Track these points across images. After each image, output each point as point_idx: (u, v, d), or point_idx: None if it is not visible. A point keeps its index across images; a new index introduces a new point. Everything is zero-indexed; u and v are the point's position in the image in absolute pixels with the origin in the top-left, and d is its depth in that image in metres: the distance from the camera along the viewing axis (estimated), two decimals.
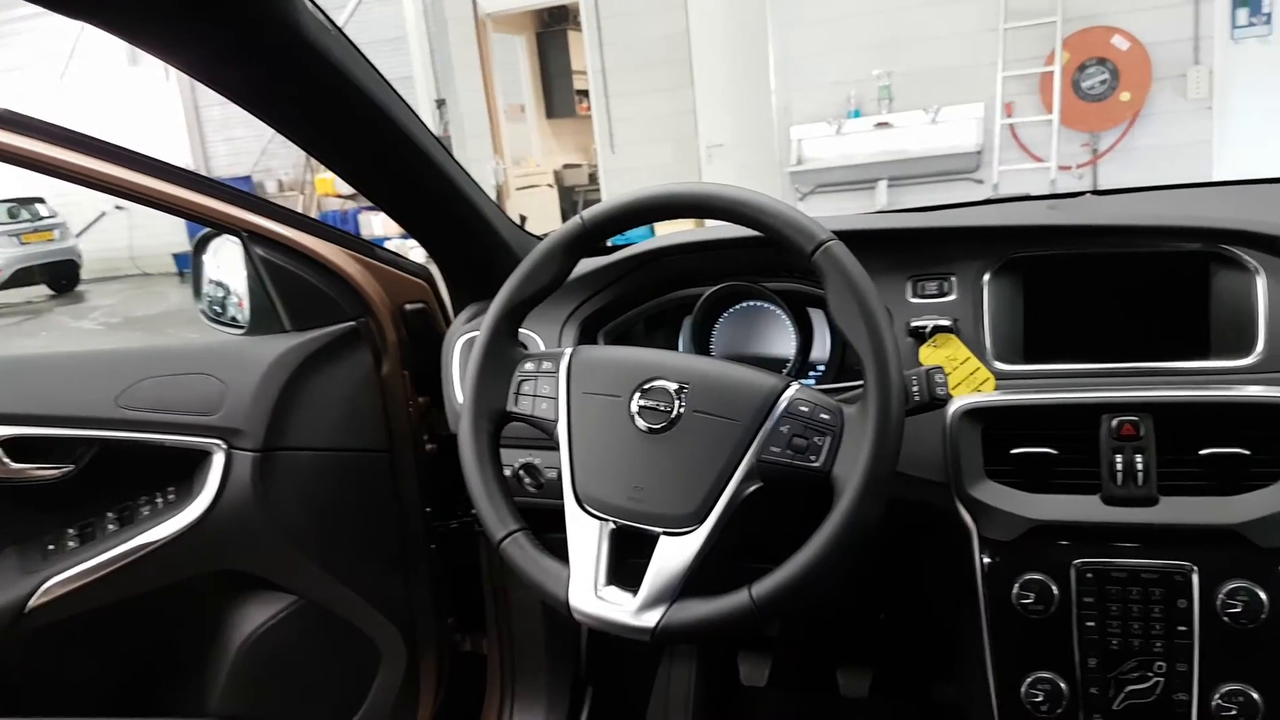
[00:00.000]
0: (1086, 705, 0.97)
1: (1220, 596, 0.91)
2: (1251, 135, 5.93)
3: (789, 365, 1.20)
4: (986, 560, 0.99)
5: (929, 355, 1.07)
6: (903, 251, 1.12)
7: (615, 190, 7.37)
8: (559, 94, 9.90)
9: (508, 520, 0.96)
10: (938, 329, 1.07)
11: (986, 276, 1.08)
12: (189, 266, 2.01)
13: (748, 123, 6.99)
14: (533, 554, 0.94)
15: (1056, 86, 6.14)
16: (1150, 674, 0.94)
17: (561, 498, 0.95)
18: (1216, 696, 0.92)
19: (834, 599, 1.41)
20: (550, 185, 9.45)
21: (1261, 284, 0.98)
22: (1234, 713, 0.91)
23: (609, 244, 1.26)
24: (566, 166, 9.88)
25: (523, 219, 1.31)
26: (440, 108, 8.58)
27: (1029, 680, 0.98)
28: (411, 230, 1.26)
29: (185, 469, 1.26)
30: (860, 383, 0.98)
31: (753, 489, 0.88)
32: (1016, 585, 0.97)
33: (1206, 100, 5.98)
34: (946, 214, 1.16)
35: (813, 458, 0.87)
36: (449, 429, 1.30)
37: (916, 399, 0.88)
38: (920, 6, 6.45)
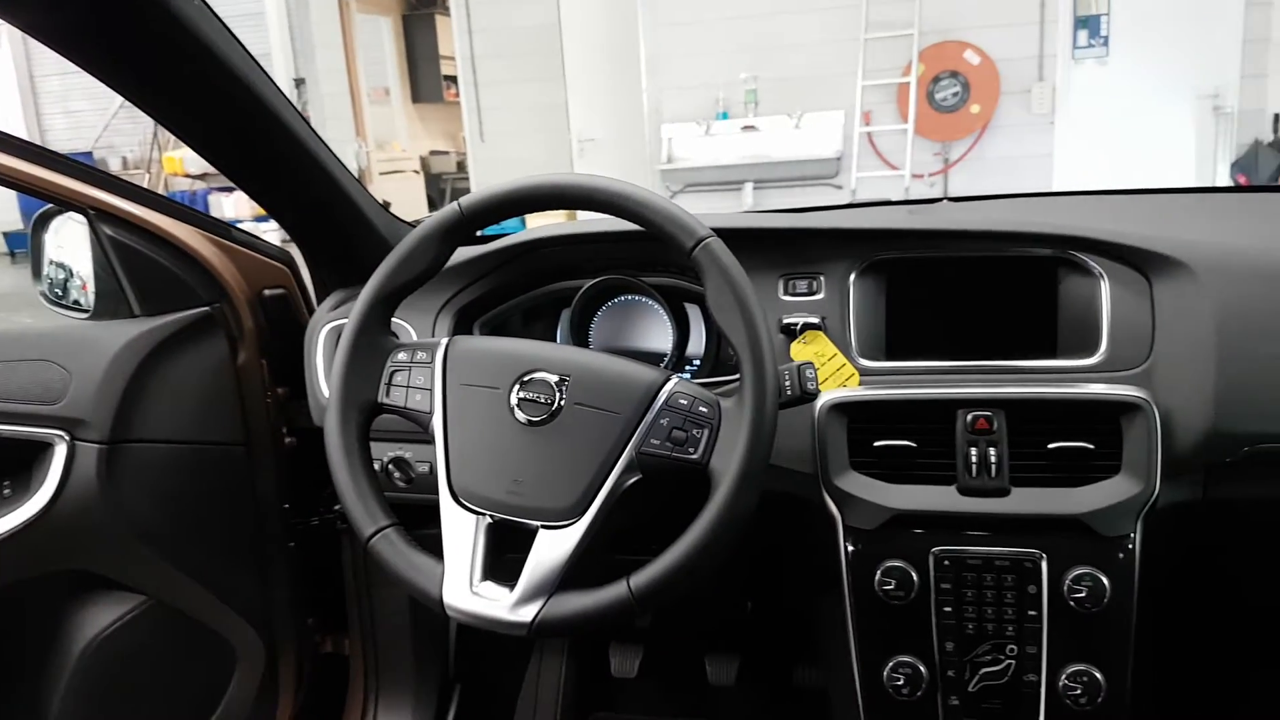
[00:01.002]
0: (944, 687, 1.01)
1: (1067, 582, 0.97)
2: (1087, 149, 6.37)
3: (666, 359, 1.21)
4: (850, 548, 1.03)
5: (799, 351, 1.10)
6: (775, 251, 1.14)
7: (484, 179, 7.26)
8: (426, 79, 9.68)
9: (378, 516, 0.93)
10: (807, 326, 1.10)
11: (852, 277, 1.12)
12: (23, 246, 1.84)
13: (619, 119, 7.02)
14: (404, 550, 0.91)
15: (912, 97, 6.41)
16: (1003, 656, 1.00)
17: (434, 493, 0.92)
18: (1063, 677, 0.98)
19: (706, 589, 1.43)
20: (416, 171, 9.22)
21: (1105, 288, 1.05)
22: (1079, 692, 0.97)
23: (480, 234, 1.24)
24: (433, 153, 9.66)
25: (386, 205, 1.27)
26: (299, 87, 8.23)
27: (891, 664, 1.02)
28: (272, 211, 1.21)
29: (22, 462, 1.16)
30: (734, 377, 1.00)
31: (632, 481, 0.88)
32: (879, 572, 1.01)
33: (1049, 115, 6.38)
34: (816, 215, 1.19)
35: (691, 450, 0.87)
36: (310, 422, 1.25)
37: (789, 393, 0.90)
38: (785, 14, 6.61)
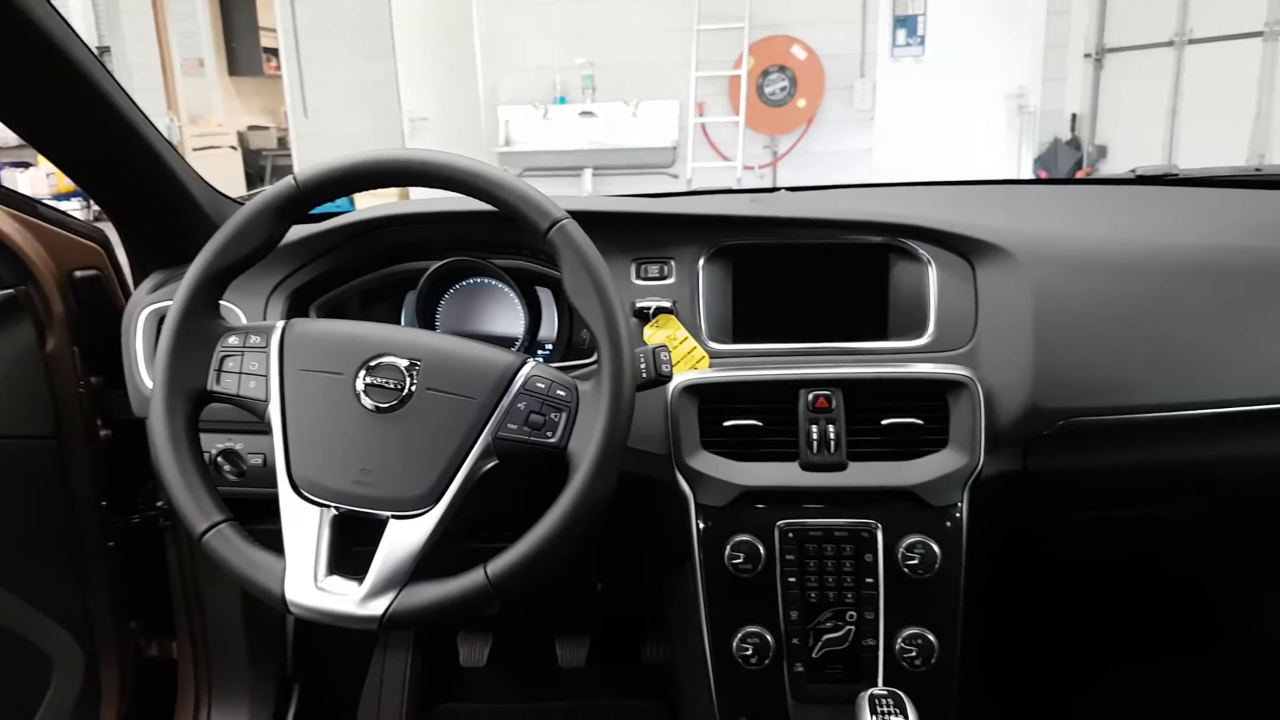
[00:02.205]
0: (790, 655, 1.05)
1: (900, 550, 1.03)
2: (905, 144, 6.74)
3: (518, 343, 1.19)
4: (702, 525, 1.05)
5: (652, 335, 1.11)
6: (627, 235, 1.15)
7: (308, 156, 6.93)
8: (244, 50, 9.11)
9: (210, 511, 0.88)
10: (660, 310, 1.11)
11: (701, 262, 1.14)
12: None
13: (453, 98, 6.86)
14: (241, 546, 0.86)
15: (743, 90, 6.59)
16: (843, 623, 1.05)
17: (268, 486, 0.88)
18: (899, 640, 1.04)
19: (563, 572, 1.44)
20: (233, 147, 8.69)
21: (932, 274, 1.12)
22: (913, 653, 1.03)
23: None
24: (252, 128, 9.12)
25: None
26: (103, 56, 7.58)
27: (740, 635, 1.05)
28: (85, 185, 1.11)
29: None
30: (587, 361, 1.00)
31: (489, 467, 0.87)
32: (728, 547, 1.04)
33: (870, 111, 6.71)
34: (666, 201, 1.21)
35: (549, 434, 0.87)
36: (128, 413, 1.16)
37: (645, 376, 0.91)
38: (620, 1, 6.66)
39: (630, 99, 6.77)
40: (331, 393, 0.89)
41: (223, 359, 0.91)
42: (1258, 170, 1.52)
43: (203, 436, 0.94)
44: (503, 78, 6.93)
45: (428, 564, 0.85)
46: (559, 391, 0.88)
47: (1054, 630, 1.64)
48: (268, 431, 0.89)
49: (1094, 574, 1.45)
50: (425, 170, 0.90)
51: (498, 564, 0.84)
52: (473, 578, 0.84)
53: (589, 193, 6.60)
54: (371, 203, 1.23)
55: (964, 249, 1.12)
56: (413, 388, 0.88)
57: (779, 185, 1.49)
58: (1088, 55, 6.29)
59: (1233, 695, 1.68)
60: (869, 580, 1.04)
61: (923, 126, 6.67)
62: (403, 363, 0.89)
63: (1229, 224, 1.25)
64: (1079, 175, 5.96)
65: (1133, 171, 1.51)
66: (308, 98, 7.27)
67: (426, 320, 1.21)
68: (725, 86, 6.74)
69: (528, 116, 6.90)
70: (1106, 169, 6.15)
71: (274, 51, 8.14)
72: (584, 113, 6.82)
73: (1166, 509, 1.18)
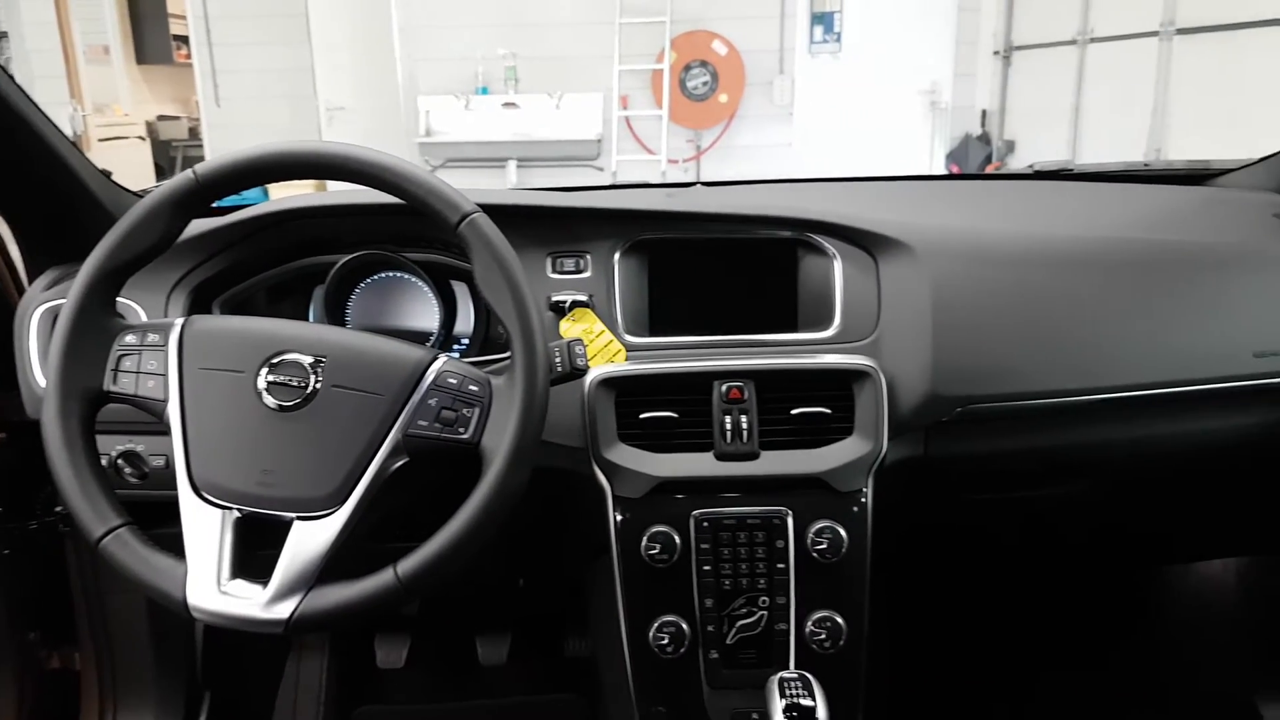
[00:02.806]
0: (705, 642, 1.07)
1: (810, 535, 1.05)
2: (823, 139, 6.86)
3: (432, 338, 1.18)
4: (619, 517, 1.06)
5: (568, 328, 1.12)
6: (542, 229, 1.15)
7: (221, 147, 6.70)
8: (152, 37, 8.78)
9: (108, 515, 0.85)
10: (576, 304, 1.12)
11: (617, 256, 1.15)
12: None
13: (372, 88, 6.72)
14: (141, 551, 0.84)
15: (666, 84, 6.62)
16: (756, 609, 1.07)
17: (171, 488, 0.86)
18: (809, 623, 1.06)
19: (476, 570, 1.43)
20: (142, 138, 8.37)
21: (838, 267, 1.14)
22: (823, 636, 1.06)
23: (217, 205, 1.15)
24: (162, 118, 8.80)
25: (107, 174, 1.15)
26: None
27: (656, 624, 1.06)
28: None
29: None
30: (504, 356, 0.99)
31: (399, 465, 0.86)
32: (645, 538, 1.05)
33: (789, 107, 6.80)
34: (581, 195, 1.21)
35: (462, 430, 0.87)
36: (22, 414, 1.12)
37: (560, 369, 0.91)
38: None
39: (554, 91, 6.74)
40: (232, 392, 0.87)
41: (120, 358, 0.89)
42: (1146, 166, 1.60)
43: (103, 438, 0.91)
44: (422, 67, 6.83)
45: (336, 565, 0.84)
46: (471, 387, 0.88)
47: (955, 610, 1.70)
48: (168, 432, 0.87)
49: (992, 555, 1.51)
50: (330, 162, 0.89)
51: (408, 563, 0.84)
52: (382, 577, 0.83)
53: (514, 185, 6.55)
54: (283, 193, 1.21)
55: (867, 243, 1.15)
56: (317, 385, 0.87)
57: (702, 179, 1.51)
58: (996, 53, 6.48)
59: (1127, 670, 1.76)
60: (780, 566, 1.06)
61: (840, 121, 6.79)
62: (306, 360, 0.87)
63: (1119, 217, 1.31)
64: (988, 169, 6.15)
65: (1030, 167, 1.56)
66: (220, 86, 7.07)
67: (335, 316, 1.19)
68: (648, 80, 6.76)
69: (449, 107, 6.81)
70: (1015, 163, 6.35)
71: (184, 39, 7.86)
72: (507, 104, 6.77)
73: (1058, 490, 1.23)
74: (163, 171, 7.82)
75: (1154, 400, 1.14)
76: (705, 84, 6.72)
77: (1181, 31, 4.69)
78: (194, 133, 8.18)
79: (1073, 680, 1.75)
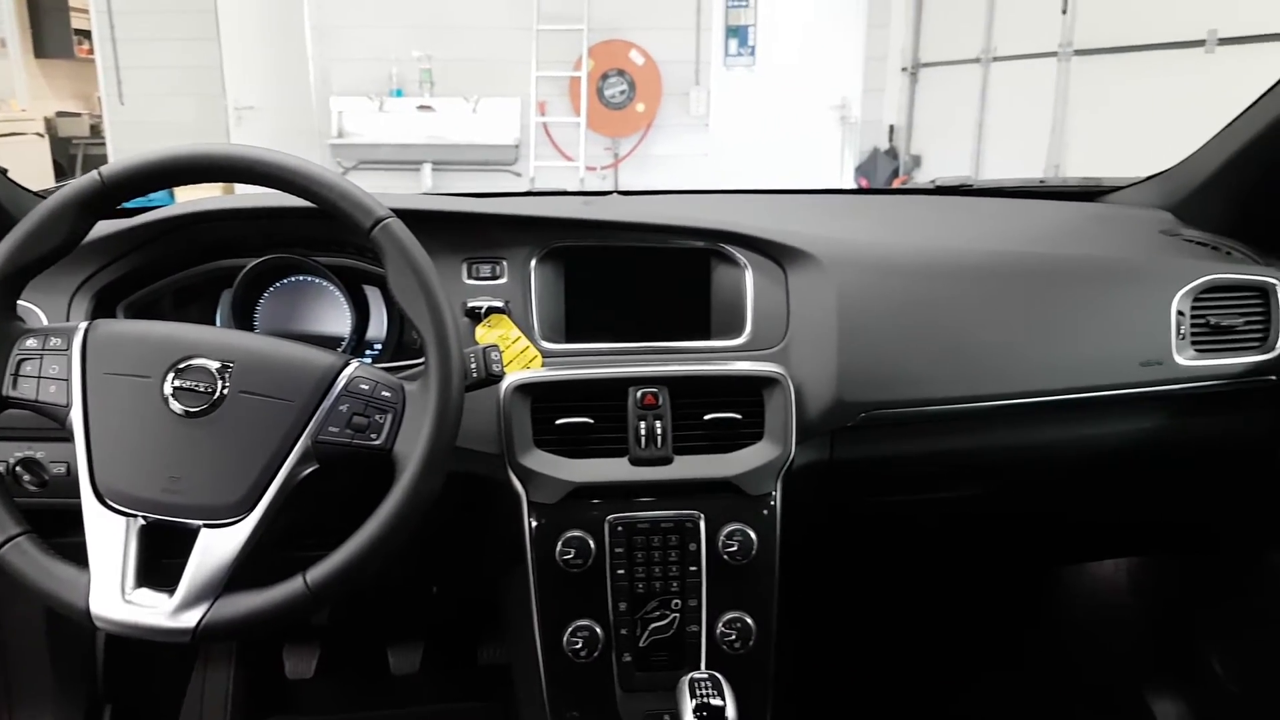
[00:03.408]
0: (618, 645, 1.09)
1: (721, 538, 1.08)
2: (738, 150, 6.96)
3: (344, 344, 1.17)
4: (534, 523, 1.07)
5: (484, 335, 1.12)
6: (457, 234, 1.15)
7: (125, 146, 6.47)
8: (52, 31, 8.41)
9: (5, 524, 0.83)
10: (491, 310, 1.12)
11: (533, 262, 1.16)
12: None
13: (282, 87, 6.57)
14: (41, 559, 0.82)
15: (584, 91, 6.64)
16: (669, 611, 1.09)
17: (72, 496, 0.84)
18: (720, 625, 1.08)
19: (389, 577, 1.42)
20: (40, 134, 8.01)
21: (749, 277, 1.17)
22: (733, 637, 1.08)
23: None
24: (61, 114, 8.44)
25: (2, 171, 1.11)
26: None
27: (570, 629, 1.07)
28: None
29: None
30: (418, 362, 0.99)
31: (308, 471, 0.85)
32: (560, 543, 1.06)
33: (705, 118, 6.89)
34: (497, 201, 1.22)
35: (374, 436, 0.86)
36: None
37: (475, 375, 0.92)
38: None
39: (470, 95, 6.68)
40: (137, 397, 0.85)
41: (20, 362, 0.86)
42: (1042, 182, 1.68)
43: (0, 445, 0.89)
44: (335, 67, 6.71)
45: (245, 573, 0.83)
46: (384, 393, 0.88)
47: (860, 609, 1.75)
48: (71, 439, 0.85)
49: (895, 556, 1.56)
50: (240, 165, 0.88)
51: (318, 570, 0.83)
52: (292, 585, 0.83)
53: (429, 188, 6.48)
54: (189, 195, 1.19)
55: (776, 254, 1.18)
56: (225, 391, 0.85)
57: (620, 187, 1.53)
58: (904, 69, 6.68)
59: (1025, 665, 1.84)
60: (693, 569, 1.08)
61: (755, 133, 6.92)
62: (214, 365, 0.86)
63: (1015, 231, 1.38)
64: (895, 183, 6.34)
65: (933, 182, 1.63)
66: (124, 83, 6.80)
67: (244, 321, 1.17)
68: (566, 87, 6.77)
69: (362, 108, 6.70)
70: (921, 177, 6.55)
71: (87, 33, 7.56)
72: (422, 106, 6.69)
73: (957, 492, 1.28)
74: (62, 169, 7.50)
75: (1046, 406, 1.20)
76: (623, 93, 6.76)
77: (1080, 52, 4.91)
78: (96, 130, 7.86)
79: (973, 675, 1.82)
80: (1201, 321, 1.24)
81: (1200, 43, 4.00)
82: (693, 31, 6.75)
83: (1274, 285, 1.26)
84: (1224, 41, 3.92)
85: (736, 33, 6.79)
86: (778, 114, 6.91)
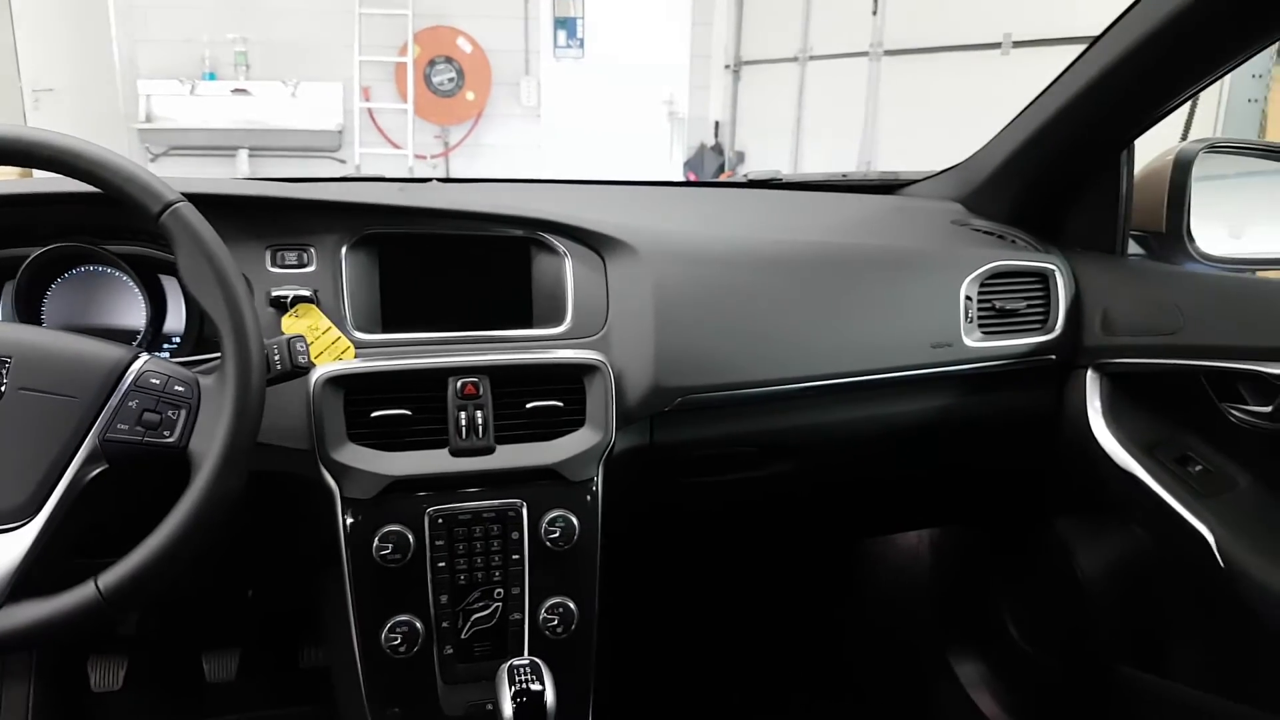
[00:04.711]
0: (439, 639, 1.08)
1: (544, 525, 1.09)
2: (569, 141, 6.99)
3: (139, 337, 1.10)
4: (349, 520, 1.04)
5: (291, 325, 1.08)
6: (261, 221, 1.10)
7: None
8: None
9: None
10: (298, 299, 1.08)
11: (344, 250, 1.12)
12: None
13: (84, 69, 6.09)
14: None
15: (410, 78, 6.49)
16: (491, 601, 1.09)
17: None
18: (543, 610, 1.10)
19: (199, 581, 1.35)
20: None
21: (569, 266, 1.18)
22: (555, 622, 1.10)
23: None
24: None
25: None
26: None
27: (389, 625, 1.06)
28: None
29: None
30: (217, 355, 0.95)
31: (97, 472, 0.81)
32: (376, 539, 1.04)
33: (536, 108, 6.88)
34: (304, 186, 1.18)
35: (167, 433, 0.82)
36: None
37: (278, 368, 0.89)
38: None
39: (289, 79, 6.41)
40: None
41: None
42: (844, 176, 1.77)
43: None
44: (142, 48, 6.28)
45: (31, 581, 0.78)
46: (177, 387, 0.84)
47: (682, 589, 1.80)
48: None
49: (715, 535, 1.62)
50: (15, 147, 0.82)
51: (111, 575, 0.79)
52: (82, 592, 0.78)
53: (245, 175, 6.16)
54: None
55: (595, 243, 1.20)
56: (2, 389, 0.80)
57: (451, 175, 1.50)
58: (728, 66, 6.89)
59: (839, 633, 1.95)
60: (515, 557, 1.09)
61: (586, 125, 6.96)
62: None
63: (819, 222, 1.45)
64: (721, 178, 6.53)
65: (746, 176, 1.69)
66: None
67: (29, 314, 1.08)
68: (392, 72, 6.60)
69: (172, 91, 6.31)
70: (744, 172, 6.78)
71: None
72: (237, 90, 6.36)
73: (768, 470, 1.35)
74: None
75: (848, 387, 1.27)
76: (451, 80, 6.66)
77: (889, 53, 5.21)
78: None
79: (790, 645, 1.92)
80: (988, 305, 1.34)
81: (997, 45, 4.31)
82: (521, 20, 6.72)
83: (1052, 271, 1.38)
84: (1018, 44, 4.24)
85: (565, 24, 6.81)
86: (608, 107, 6.98)
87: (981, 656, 1.76)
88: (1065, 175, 1.41)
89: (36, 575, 0.78)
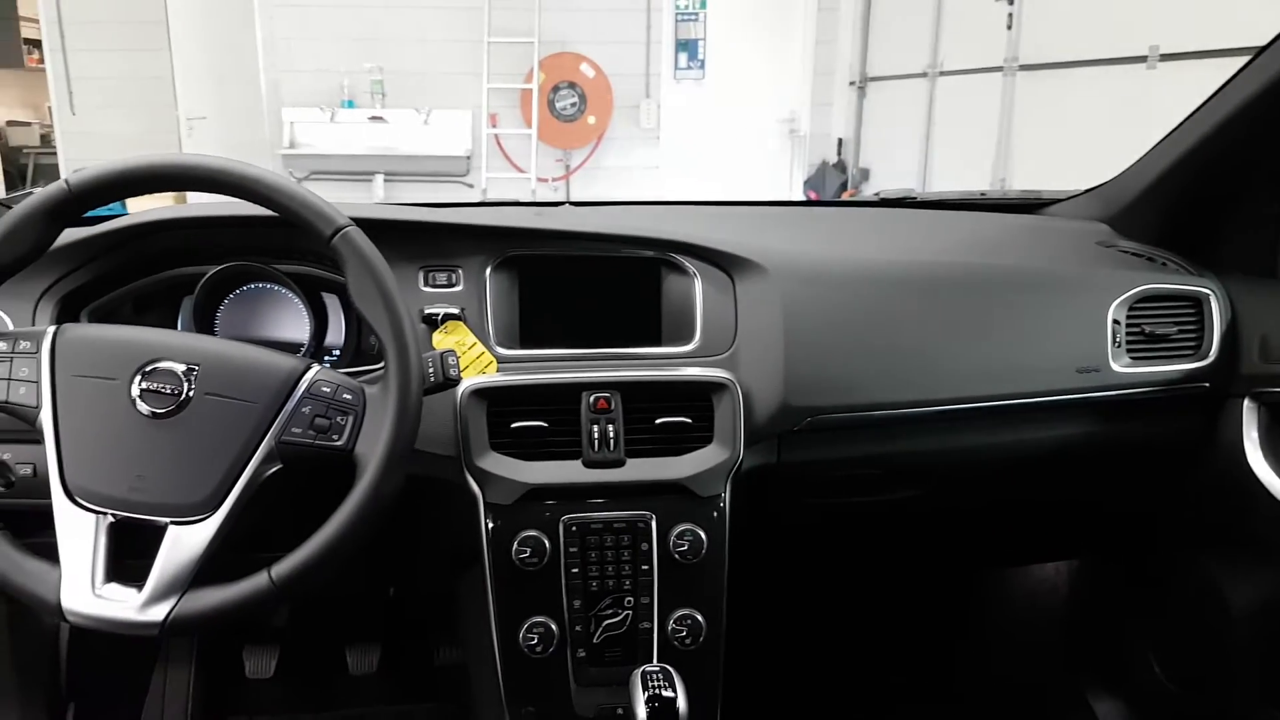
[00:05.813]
0: (572, 641, 1.12)
1: (672, 538, 1.11)
2: (688, 162, 7.04)
3: (303, 349, 1.19)
4: (491, 524, 1.10)
5: (441, 340, 1.15)
6: (414, 244, 1.18)
7: (76, 155, 6.36)
8: (1, 41, 8.26)
9: None
10: (448, 316, 1.15)
11: (488, 270, 1.19)
12: None
13: (234, 98, 6.50)
14: (13, 555, 0.84)
15: (535, 104, 6.66)
16: (621, 609, 1.12)
17: (41, 497, 0.86)
18: (671, 621, 1.12)
19: (348, 579, 1.43)
20: None
21: (698, 286, 1.21)
22: (684, 633, 1.12)
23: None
24: (11, 124, 8.28)
25: None
26: None
27: (526, 625, 1.10)
28: None
29: None
30: (375, 367, 1.02)
31: (272, 471, 0.88)
32: (515, 542, 1.09)
33: (656, 130, 6.96)
34: (452, 211, 1.25)
35: (335, 437, 0.89)
36: None
37: (432, 380, 0.95)
38: (408, 8, 6.55)
39: (421, 107, 6.68)
40: (105, 399, 0.87)
41: None
42: (983, 194, 1.74)
43: None
44: (286, 78, 6.66)
45: (211, 570, 0.86)
46: (345, 395, 0.91)
47: (805, 607, 1.79)
48: (39, 440, 0.87)
49: (838, 556, 1.61)
50: (203, 175, 0.90)
51: (282, 566, 0.86)
52: (257, 580, 0.85)
53: (381, 199, 6.45)
54: (142, 205, 1.20)
55: (724, 264, 1.22)
56: (190, 393, 0.88)
57: (570, 199, 1.56)
58: (852, 83, 6.81)
59: (966, 663, 1.90)
60: (644, 567, 1.12)
61: (705, 146, 7.00)
62: (180, 368, 0.88)
63: (955, 242, 1.43)
64: (844, 196, 6.45)
65: (877, 194, 1.68)
66: (74, 93, 6.68)
67: (205, 327, 1.18)
68: (517, 99, 6.79)
69: (313, 119, 6.65)
70: (869, 190, 6.67)
71: (37, 43, 7.43)
72: (373, 118, 6.66)
73: (896, 494, 1.33)
74: (13, 179, 7.37)
75: (984, 412, 1.25)
76: (574, 105, 6.80)
77: (1025, 67, 5.04)
78: (46, 139, 7.72)
79: (914, 672, 1.88)
80: (1136, 330, 1.30)
81: (1143, 58, 4.12)
82: (643, 45, 6.82)
83: (1207, 295, 1.32)
84: (1165, 57, 4.04)
85: (686, 46, 6.88)
86: (728, 127, 7.00)
87: (1123, 696, 1.68)
88: (1221, 195, 1.36)
89: (215, 565, 0.86)
